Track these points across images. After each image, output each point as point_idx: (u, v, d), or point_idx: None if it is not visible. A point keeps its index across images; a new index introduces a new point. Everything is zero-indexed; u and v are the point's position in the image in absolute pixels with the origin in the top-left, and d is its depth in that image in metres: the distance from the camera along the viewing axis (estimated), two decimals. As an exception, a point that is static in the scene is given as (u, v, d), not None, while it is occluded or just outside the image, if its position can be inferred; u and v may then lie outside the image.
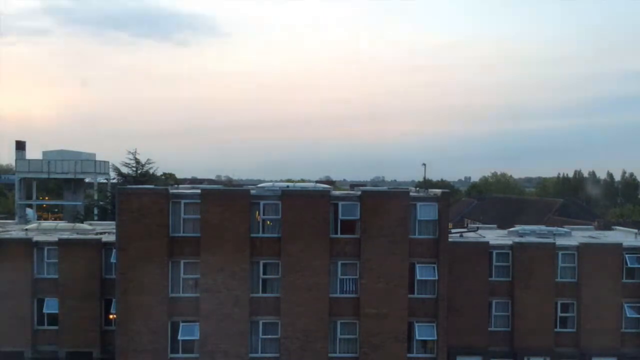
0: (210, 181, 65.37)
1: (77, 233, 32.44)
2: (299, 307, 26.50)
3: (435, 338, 27.15)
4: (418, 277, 27.16)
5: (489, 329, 29.47)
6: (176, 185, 34.06)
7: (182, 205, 26.63)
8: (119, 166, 51.21)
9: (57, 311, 28.80)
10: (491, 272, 29.53)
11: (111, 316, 28.37)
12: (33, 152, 56.76)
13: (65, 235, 30.80)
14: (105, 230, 33.18)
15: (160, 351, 26.33)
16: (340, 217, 26.83)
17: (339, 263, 26.94)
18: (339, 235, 26.96)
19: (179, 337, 26.42)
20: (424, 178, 45.63)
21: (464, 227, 43.19)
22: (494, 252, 29.56)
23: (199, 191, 27.10)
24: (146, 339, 26.23)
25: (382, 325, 26.67)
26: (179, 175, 77.47)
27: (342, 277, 27.02)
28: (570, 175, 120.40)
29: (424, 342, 27.50)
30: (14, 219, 47.94)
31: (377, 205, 26.70)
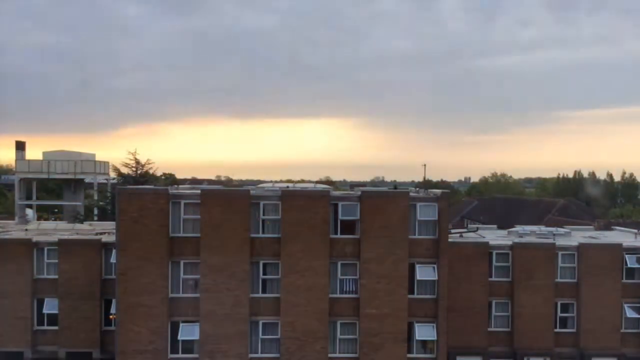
0: (210, 181, 65.29)
1: (77, 233, 32.45)
2: (299, 307, 26.50)
3: (435, 338, 27.14)
4: (418, 277, 27.15)
5: (489, 329, 29.49)
6: (176, 186, 34.04)
7: (182, 205, 26.63)
8: (118, 166, 51.25)
9: (57, 311, 28.83)
10: (491, 272, 29.56)
11: (111, 316, 28.38)
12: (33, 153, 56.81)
13: (65, 236, 30.80)
14: (105, 231, 33.19)
15: (160, 351, 26.33)
16: (340, 217, 26.83)
17: (339, 263, 26.93)
18: (338, 236, 26.96)
19: (179, 337, 26.42)
20: (424, 178, 45.66)
21: (464, 227, 43.20)
22: (494, 252, 29.59)
23: (199, 191, 27.10)
24: (146, 339, 26.23)
25: (382, 325, 26.66)
26: (179, 175, 77.45)
27: (342, 277, 27.01)
28: (570, 175, 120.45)
29: (424, 342, 27.50)
30: (13, 219, 47.94)
31: (377, 205, 26.70)
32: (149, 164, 50.85)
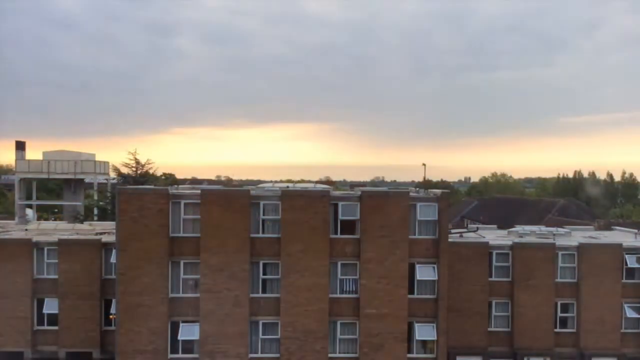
0: (210, 181, 65.29)
1: (77, 233, 32.45)
2: (299, 307, 26.51)
3: (435, 338, 27.14)
4: (418, 277, 27.15)
5: (489, 329, 29.51)
6: (176, 186, 34.03)
7: (182, 205, 26.62)
8: (118, 166, 51.21)
9: (57, 311, 28.84)
10: (491, 272, 29.57)
11: (111, 316, 28.40)
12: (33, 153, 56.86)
13: (65, 236, 30.80)
14: (105, 230, 33.20)
15: (160, 351, 26.33)
16: (340, 217, 26.82)
17: (339, 263, 26.93)
18: (338, 236, 26.95)
19: (179, 337, 26.42)
20: (424, 178, 45.65)
21: (464, 227, 43.18)
22: (494, 252, 29.60)
23: (199, 191, 27.09)
24: (146, 339, 26.23)
25: (382, 325, 26.66)
26: (179, 175, 77.47)
27: (342, 277, 27.01)
28: (570, 175, 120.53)
29: (424, 342, 27.48)
30: (13, 219, 47.95)
31: (377, 205, 26.70)
32: (148, 164, 50.81)
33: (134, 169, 50.17)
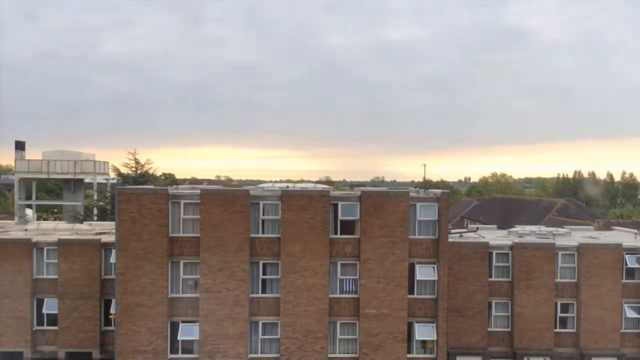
0: (210, 181, 65.33)
1: (77, 233, 32.44)
2: (299, 307, 26.49)
3: (435, 338, 27.12)
4: (418, 277, 27.13)
5: (489, 329, 29.50)
6: (176, 186, 34.00)
7: (182, 205, 26.61)
8: (118, 166, 51.20)
9: (56, 311, 28.84)
10: (491, 272, 29.57)
11: (111, 316, 28.38)
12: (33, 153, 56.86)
13: (65, 236, 30.79)
14: (104, 231, 33.18)
15: (160, 351, 26.31)
16: (340, 217, 26.80)
17: (339, 263, 26.92)
18: (338, 236, 26.93)
19: (179, 337, 26.40)
20: (424, 178, 45.65)
21: (464, 227, 43.21)
22: (494, 252, 29.59)
23: (198, 191, 27.07)
24: (146, 339, 26.22)
25: (382, 325, 26.64)
26: (178, 176, 77.57)
27: (342, 277, 26.99)
28: (570, 175, 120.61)
29: (424, 342, 27.47)
30: (13, 219, 47.93)
31: (377, 205, 26.68)
32: (148, 164, 50.81)
33: (133, 169, 50.16)
